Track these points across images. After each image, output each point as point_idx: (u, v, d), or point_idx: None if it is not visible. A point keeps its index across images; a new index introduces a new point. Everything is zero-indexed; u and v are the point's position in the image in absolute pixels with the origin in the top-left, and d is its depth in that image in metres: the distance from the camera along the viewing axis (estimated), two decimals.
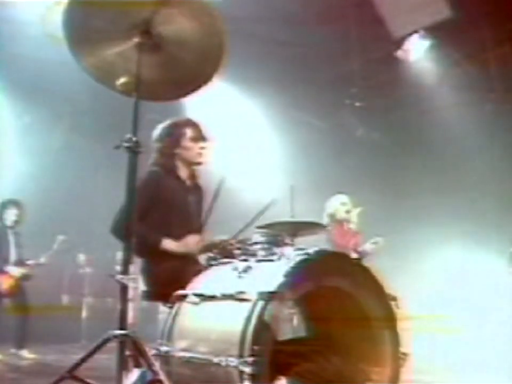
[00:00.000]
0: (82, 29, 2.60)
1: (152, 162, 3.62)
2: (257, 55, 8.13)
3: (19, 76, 7.79)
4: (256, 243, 2.94)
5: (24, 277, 6.86)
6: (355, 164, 9.17)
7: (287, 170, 8.97)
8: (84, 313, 8.45)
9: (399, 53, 8.51)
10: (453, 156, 8.42)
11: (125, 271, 2.47)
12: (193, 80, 2.80)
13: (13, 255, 6.89)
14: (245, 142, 9.30)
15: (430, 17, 7.91)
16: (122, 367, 2.41)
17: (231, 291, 2.35)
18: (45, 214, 7.65)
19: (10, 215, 6.91)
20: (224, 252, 3.05)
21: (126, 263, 2.53)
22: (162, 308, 3.18)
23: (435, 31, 8.10)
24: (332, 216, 6.27)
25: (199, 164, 3.64)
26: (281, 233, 3.06)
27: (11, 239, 6.93)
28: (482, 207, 7.87)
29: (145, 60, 2.62)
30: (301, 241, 3.22)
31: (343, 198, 6.32)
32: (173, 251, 3.28)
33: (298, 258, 2.36)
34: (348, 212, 6.21)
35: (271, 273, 2.31)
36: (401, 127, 9.02)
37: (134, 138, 2.52)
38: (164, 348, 2.54)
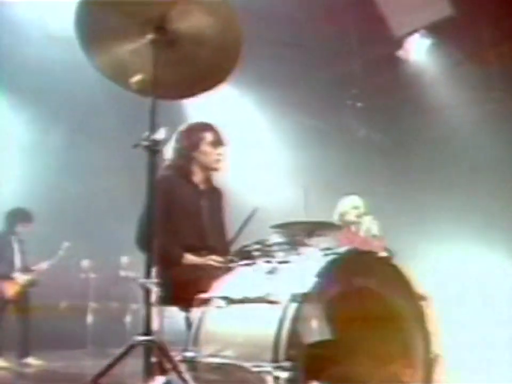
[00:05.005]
0: (95, 27, 2.54)
1: (166, 165, 3.56)
2: (257, 56, 8.09)
3: (21, 77, 7.71)
4: (275, 244, 2.88)
5: (29, 284, 6.81)
6: (357, 164, 9.12)
7: (289, 172, 8.94)
8: (89, 319, 8.37)
9: (400, 53, 8.55)
10: (455, 155, 8.40)
11: (147, 275, 2.37)
12: (210, 77, 2.75)
13: (17, 262, 6.86)
14: (245, 143, 9.25)
15: (430, 16, 7.92)
16: (149, 374, 2.33)
17: (259, 293, 2.30)
18: (48, 219, 7.55)
19: (19, 226, 6.87)
20: (241, 254, 3.01)
21: (149, 266, 2.46)
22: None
23: (436, 30, 8.12)
24: (341, 216, 6.13)
25: (215, 169, 3.59)
26: (298, 233, 3.02)
27: (15, 245, 6.88)
28: (486, 206, 7.85)
29: (160, 57, 2.56)
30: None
31: (356, 200, 6.11)
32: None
33: (328, 258, 2.31)
34: (358, 216, 6.05)
35: (301, 274, 2.26)
36: (403, 127, 9.00)
37: (152, 137, 2.46)
38: (190, 353, 2.47)
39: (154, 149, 2.50)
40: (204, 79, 2.75)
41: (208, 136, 3.50)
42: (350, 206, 6.14)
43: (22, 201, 7.14)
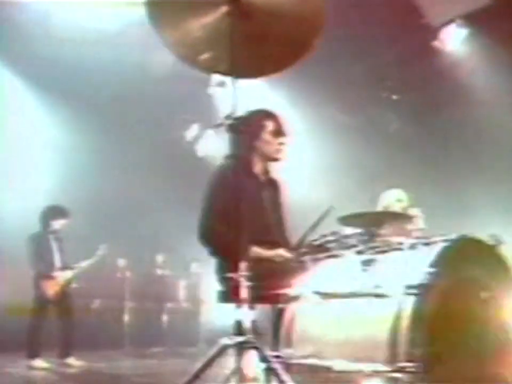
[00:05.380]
0: (165, 1, 2.40)
1: (226, 155, 3.39)
2: None
3: (54, 77, 7.70)
4: (352, 235, 2.75)
5: (69, 282, 6.72)
6: (391, 159, 8.95)
7: (320, 167, 8.80)
8: (126, 318, 8.27)
9: (436, 43, 8.37)
10: (494, 146, 8.22)
11: (235, 270, 2.23)
12: (289, 52, 2.54)
13: (57, 261, 6.75)
14: None
15: (467, 5, 7.75)
16: (241, 378, 2.17)
17: (361, 286, 2.15)
18: (83, 217, 7.46)
19: (56, 224, 6.77)
20: (313, 248, 2.87)
21: (237, 261, 2.32)
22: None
23: (473, 19, 7.93)
24: (385, 210, 5.98)
25: (276, 159, 3.43)
26: (366, 224, 2.88)
27: (54, 244, 6.78)
28: None
29: (235, 32, 2.36)
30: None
31: (400, 194, 5.95)
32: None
33: (441, 246, 2.15)
34: (403, 209, 5.87)
35: (412, 265, 2.10)
36: (439, 118, 8.80)
37: (236, 115, 2.34)
38: (281, 354, 2.30)
39: (237, 128, 2.36)
40: (282, 55, 2.54)
41: (270, 125, 3.33)
42: (393, 199, 5.95)
43: (57, 201, 7.03)
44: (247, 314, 2.14)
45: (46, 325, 6.51)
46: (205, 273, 8.98)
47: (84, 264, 6.91)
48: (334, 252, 2.61)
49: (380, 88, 8.86)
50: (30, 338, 6.39)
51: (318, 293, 2.30)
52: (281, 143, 3.38)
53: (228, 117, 2.35)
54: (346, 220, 3.00)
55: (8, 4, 6.63)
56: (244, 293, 2.21)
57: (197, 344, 8.46)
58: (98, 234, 7.51)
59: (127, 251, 8.27)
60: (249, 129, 3.35)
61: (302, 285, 2.47)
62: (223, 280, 3.19)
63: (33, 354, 6.32)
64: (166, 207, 8.73)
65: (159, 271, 9.03)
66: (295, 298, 2.42)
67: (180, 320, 8.91)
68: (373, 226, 2.86)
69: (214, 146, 9.21)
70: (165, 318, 8.73)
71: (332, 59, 8.44)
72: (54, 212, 6.80)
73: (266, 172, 3.47)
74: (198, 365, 2.11)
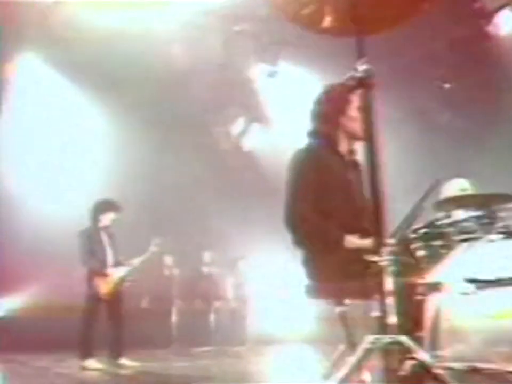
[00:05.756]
0: None
1: (310, 131, 3.10)
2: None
3: (100, 74, 7.78)
4: (469, 219, 2.47)
5: (123, 280, 6.48)
6: (445, 149, 8.63)
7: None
8: (174, 317, 8.05)
9: (490, 28, 8.07)
10: None
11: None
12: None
13: (109, 257, 6.51)
14: None
15: None
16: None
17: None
18: (132, 213, 7.27)
19: (106, 218, 6.54)
20: (422, 236, 2.61)
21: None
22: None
23: None
24: None
25: (362, 139, 3.11)
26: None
27: (105, 240, 6.55)
28: None
29: None
30: None
31: (464, 183, 5.66)
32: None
33: None
34: None
35: None
36: (492, 106, 8.46)
37: (366, 67, 2.13)
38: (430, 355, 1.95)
39: (368, 82, 2.15)
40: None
41: (356, 100, 2.93)
42: (457, 189, 5.63)
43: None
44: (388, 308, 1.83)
45: (99, 325, 6.30)
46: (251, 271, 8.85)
47: (136, 261, 6.65)
48: (471, 236, 2.32)
49: (431, 77, 8.54)
50: (82, 337, 6.16)
51: (472, 280, 1.98)
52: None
53: (358, 69, 2.13)
54: (446, 204, 2.74)
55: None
56: (388, 283, 1.89)
57: (245, 343, 8.27)
58: (147, 232, 7.28)
59: (174, 248, 8.06)
60: (333, 105, 3.06)
61: (445, 273, 2.17)
62: (313, 273, 2.90)
63: (86, 355, 6.11)
64: (214, 202, 8.57)
65: (205, 269, 8.83)
66: (435, 288, 2.10)
67: (227, 318, 8.71)
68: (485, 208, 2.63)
69: (260, 140, 9.05)
70: (212, 317, 8.51)
71: (383, 46, 8.17)
72: (104, 205, 6.57)
73: (351, 152, 3.15)
74: (344, 369, 1.82)
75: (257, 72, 8.24)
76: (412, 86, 8.77)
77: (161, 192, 8.41)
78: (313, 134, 3.08)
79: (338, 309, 2.72)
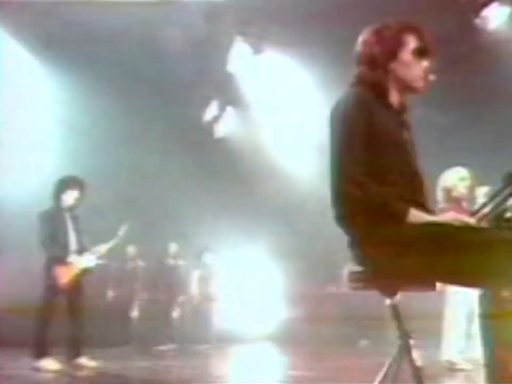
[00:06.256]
0: None
1: (354, 80, 2.50)
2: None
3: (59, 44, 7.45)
4: None
5: (87, 272, 5.81)
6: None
7: None
8: (135, 313, 7.44)
9: (478, 21, 7.87)
10: None
11: None
12: None
13: (73, 243, 5.82)
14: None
15: None
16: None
17: None
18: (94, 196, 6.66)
19: (70, 197, 5.83)
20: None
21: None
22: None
23: None
24: (448, 193, 5.26)
25: (416, 90, 2.51)
26: None
27: (69, 223, 5.86)
28: None
29: None
30: None
31: (463, 171, 5.30)
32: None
33: None
34: (468, 188, 5.23)
35: None
36: (480, 101, 8.28)
37: None
38: None
39: None
40: None
41: (412, 41, 2.37)
42: (456, 178, 5.30)
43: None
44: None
45: (57, 320, 5.63)
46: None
47: (103, 248, 5.98)
48: None
49: None
50: (37, 334, 5.50)
51: None
52: (425, 67, 2.47)
53: None
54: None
55: None
56: None
57: (209, 342, 7.81)
58: (109, 215, 6.66)
59: (139, 237, 7.44)
60: (383, 47, 2.45)
61: None
62: (364, 257, 2.29)
63: (41, 353, 5.44)
64: (180, 190, 8.04)
65: (171, 261, 8.23)
66: None
67: (191, 315, 8.20)
68: None
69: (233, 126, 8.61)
70: (175, 313, 7.98)
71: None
72: (67, 182, 5.88)
73: (402, 106, 2.56)
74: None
75: (238, 53, 7.79)
76: None
77: (126, 176, 7.81)
78: (359, 81, 2.48)
79: (389, 301, 2.22)
